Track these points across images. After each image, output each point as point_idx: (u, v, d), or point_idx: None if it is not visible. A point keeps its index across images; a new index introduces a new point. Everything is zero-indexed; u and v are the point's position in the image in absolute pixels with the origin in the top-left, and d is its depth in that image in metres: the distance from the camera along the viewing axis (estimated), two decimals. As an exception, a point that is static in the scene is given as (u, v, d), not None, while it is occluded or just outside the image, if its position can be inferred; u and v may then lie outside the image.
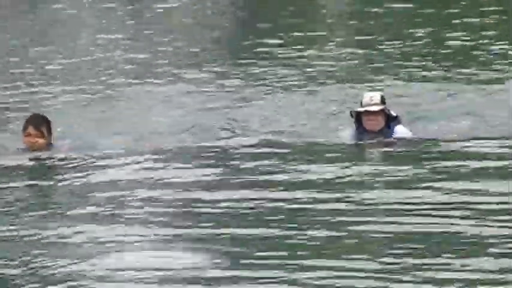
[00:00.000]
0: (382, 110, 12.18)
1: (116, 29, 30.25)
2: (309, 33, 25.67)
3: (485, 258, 7.64)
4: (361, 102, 12.42)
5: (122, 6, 35.71)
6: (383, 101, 12.42)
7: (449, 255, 7.74)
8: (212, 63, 22.43)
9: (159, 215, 9.96)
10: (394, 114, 12.51)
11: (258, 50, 23.26)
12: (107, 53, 25.13)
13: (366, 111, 12.19)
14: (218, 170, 12.45)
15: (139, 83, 20.17)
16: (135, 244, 8.76)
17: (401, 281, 7.10)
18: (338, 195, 10.37)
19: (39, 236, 9.38)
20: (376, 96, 12.52)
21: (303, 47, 23.34)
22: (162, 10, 35.01)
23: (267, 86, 18.86)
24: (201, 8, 36.04)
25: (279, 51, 23.58)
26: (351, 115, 12.50)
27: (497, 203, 9.87)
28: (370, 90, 13.83)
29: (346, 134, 12.84)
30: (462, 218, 9.05)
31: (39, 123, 12.96)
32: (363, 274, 7.32)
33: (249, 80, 19.36)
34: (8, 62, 22.66)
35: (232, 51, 24.87)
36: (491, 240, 8.26)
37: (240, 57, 22.44)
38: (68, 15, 34.01)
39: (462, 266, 7.47)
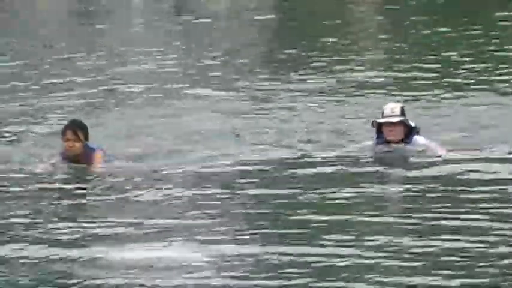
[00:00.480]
0: (402, 121, 12.45)
1: (163, 40, 31.20)
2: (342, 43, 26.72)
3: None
4: (383, 113, 12.69)
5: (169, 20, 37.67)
6: (403, 112, 12.67)
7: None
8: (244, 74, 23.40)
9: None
10: (413, 125, 12.74)
11: (293, 60, 24.32)
12: (152, 63, 25.86)
13: (387, 122, 12.49)
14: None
15: (183, 90, 20.83)
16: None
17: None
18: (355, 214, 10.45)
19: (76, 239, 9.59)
20: (397, 107, 12.79)
21: (335, 57, 24.21)
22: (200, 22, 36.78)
23: (297, 95, 19.29)
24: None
25: (310, 62, 24.36)
26: (372, 125, 12.73)
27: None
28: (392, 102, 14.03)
29: (366, 145, 13.16)
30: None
31: (76, 128, 13.36)
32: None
33: (283, 90, 19.93)
34: (62, 70, 23.49)
35: (265, 62, 25.88)
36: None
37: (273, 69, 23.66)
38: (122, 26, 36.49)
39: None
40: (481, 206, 10.62)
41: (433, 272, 7.66)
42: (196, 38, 32.14)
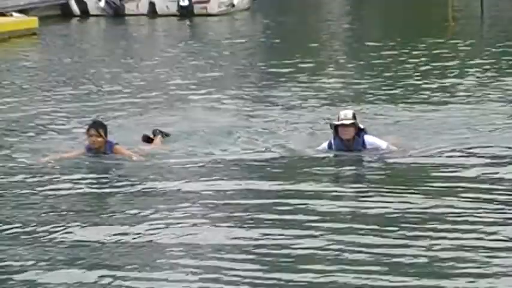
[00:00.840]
0: (353, 124, 13.28)
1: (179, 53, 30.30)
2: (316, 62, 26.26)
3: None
4: (338, 117, 13.44)
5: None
6: (354, 116, 13.47)
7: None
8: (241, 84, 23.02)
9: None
10: (362, 127, 13.63)
11: (282, 74, 23.82)
12: (169, 69, 25.40)
13: (342, 124, 13.31)
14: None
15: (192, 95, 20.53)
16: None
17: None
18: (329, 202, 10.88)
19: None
20: (349, 113, 13.63)
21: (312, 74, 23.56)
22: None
23: (278, 105, 19.07)
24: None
25: (296, 76, 23.66)
26: (330, 127, 13.51)
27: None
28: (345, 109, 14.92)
29: (323, 147, 13.80)
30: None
31: (98, 126, 13.75)
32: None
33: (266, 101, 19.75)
34: (88, 75, 23.70)
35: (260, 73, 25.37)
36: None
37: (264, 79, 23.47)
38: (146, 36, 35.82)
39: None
40: (423, 194, 10.92)
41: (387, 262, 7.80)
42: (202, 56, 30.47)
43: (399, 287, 7.66)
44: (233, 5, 40.10)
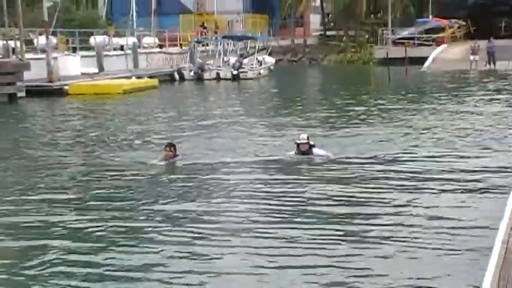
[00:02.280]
0: (307, 142, 14.74)
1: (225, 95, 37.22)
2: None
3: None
4: (299, 138, 15.05)
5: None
6: (308, 138, 14.94)
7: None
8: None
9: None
10: (312, 143, 14.91)
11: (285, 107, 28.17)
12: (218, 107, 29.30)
13: (301, 143, 14.76)
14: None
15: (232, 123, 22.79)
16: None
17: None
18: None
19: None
20: (305, 136, 15.08)
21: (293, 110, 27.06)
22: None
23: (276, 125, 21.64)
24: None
25: (291, 110, 27.03)
26: (295, 143, 15.06)
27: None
28: (303, 133, 16.13)
29: (291, 153, 15.15)
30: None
31: (171, 145, 15.14)
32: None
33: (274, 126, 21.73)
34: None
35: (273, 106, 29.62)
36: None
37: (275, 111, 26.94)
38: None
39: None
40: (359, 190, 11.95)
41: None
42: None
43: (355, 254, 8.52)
44: (260, 73, 46.90)
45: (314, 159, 14.66)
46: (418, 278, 7.73)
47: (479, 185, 12.24)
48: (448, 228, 9.51)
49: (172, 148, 14.82)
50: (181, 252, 8.75)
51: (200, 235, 9.41)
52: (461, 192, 11.71)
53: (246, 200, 11.62)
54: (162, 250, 8.83)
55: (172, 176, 13.87)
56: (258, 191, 12.27)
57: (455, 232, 9.33)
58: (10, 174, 14.77)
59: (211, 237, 9.38)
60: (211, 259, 8.47)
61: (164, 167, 14.61)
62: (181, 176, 13.78)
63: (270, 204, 11.26)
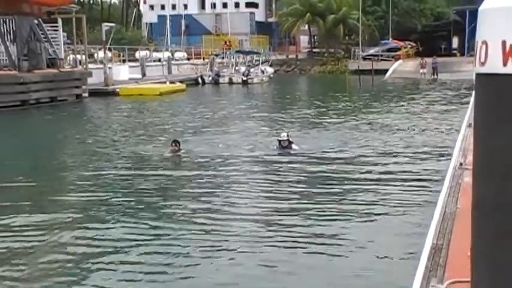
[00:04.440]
0: (287, 139, 14.09)
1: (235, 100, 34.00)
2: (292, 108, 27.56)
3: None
4: (281, 135, 14.47)
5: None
6: (288, 135, 14.35)
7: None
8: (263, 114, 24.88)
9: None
10: (291, 139, 14.25)
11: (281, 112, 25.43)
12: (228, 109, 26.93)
13: (282, 140, 14.12)
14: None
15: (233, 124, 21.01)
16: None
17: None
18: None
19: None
20: (285, 134, 14.45)
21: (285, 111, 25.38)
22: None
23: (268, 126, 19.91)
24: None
25: (284, 110, 26.01)
26: (278, 141, 14.34)
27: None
28: (284, 131, 15.49)
29: (275, 147, 14.41)
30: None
31: (176, 141, 14.39)
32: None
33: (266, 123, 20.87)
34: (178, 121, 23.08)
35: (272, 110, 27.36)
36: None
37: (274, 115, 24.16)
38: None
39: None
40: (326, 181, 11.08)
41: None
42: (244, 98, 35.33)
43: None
44: (262, 80, 46.29)
45: (291, 152, 13.99)
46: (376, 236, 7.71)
47: (419, 167, 12.27)
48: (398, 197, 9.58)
49: (177, 143, 14.24)
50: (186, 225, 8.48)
51: (194, 210, 9.22)
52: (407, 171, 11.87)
53: (235, 181, 11.30)
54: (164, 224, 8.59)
55: (176, 166, 13.50)
56: (246, 176, 11.97)
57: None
58: (77, 152, 15.35)
59: (203, 211, 9.16)
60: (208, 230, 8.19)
61: (170, 159, 13.99)
62: (183, 165, 13.46)
63: (256, 184, 11.09)
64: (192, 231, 8.19)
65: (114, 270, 6.87)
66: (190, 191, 10.89)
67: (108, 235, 8.15)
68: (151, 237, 7.97)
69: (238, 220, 8.71)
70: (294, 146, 14.15)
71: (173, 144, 14.22)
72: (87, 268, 7.00)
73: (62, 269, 7.00)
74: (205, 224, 8.55)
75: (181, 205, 9.69)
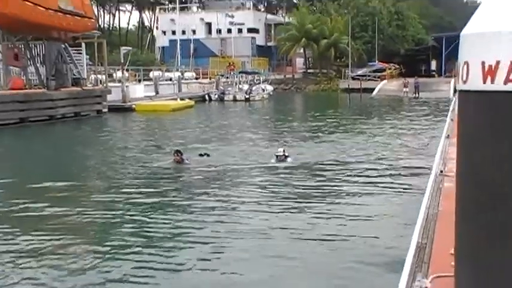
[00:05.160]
0: (283, 154, 14.04)
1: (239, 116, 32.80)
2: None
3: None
4: (278, 151, 14.36)
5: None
6: (284, 150, 14.28)
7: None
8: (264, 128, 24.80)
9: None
10: (287, 154, 14.21)
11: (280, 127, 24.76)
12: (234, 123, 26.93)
13: (278, 154, 14.05)
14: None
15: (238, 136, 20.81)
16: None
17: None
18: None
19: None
20: (281, 149, 14.36)
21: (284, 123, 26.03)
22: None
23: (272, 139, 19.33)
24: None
25: (280, 123, 26.31)
26: (275, 155, 14.14)
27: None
28: (280, 146, 15.29)
29: (272, 161, 14.05)
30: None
31: (178, 151, 14.05)
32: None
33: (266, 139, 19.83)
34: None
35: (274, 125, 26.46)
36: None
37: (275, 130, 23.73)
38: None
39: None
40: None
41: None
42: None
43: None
44: (263, 97, 45.61)
45: (287, 164, 13.72)
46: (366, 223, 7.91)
47: (404, 171, 12.37)
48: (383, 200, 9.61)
49: (179, 153, 13.85)
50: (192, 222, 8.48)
51: (193, 210, 9.21)
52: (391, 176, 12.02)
53: (235, 188, 11.11)
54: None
55: (178, 174, 13.07)
56: (246, 183, 11.75)
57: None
58: (98, 159, 15.53)
59: (204, 211, 9.11)
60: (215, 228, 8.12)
61: (173, 167, 13.61)
62: (185, 174, 13.03)
63: (255, 190, 10.89)
64: (199, 226, 8.16)
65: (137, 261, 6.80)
66: (190, 195, 10.70)
67: (120, 231, 8.19)
68: (161, 232, 7.93)
69: (237, 218, 8.66)
70: (288, 159, 14.06)
71: (175, 154, 13.92)
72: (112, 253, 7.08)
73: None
74: (205, 221, 8.50)
75: (181, 206, 9.59)
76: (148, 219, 8.85)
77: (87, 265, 6.77)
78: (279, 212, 9.15)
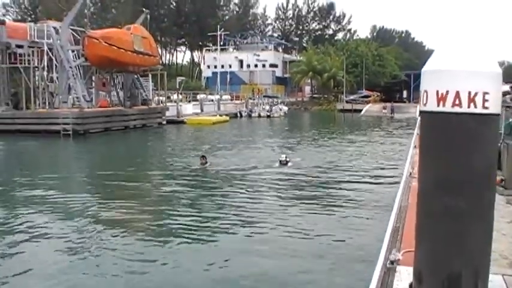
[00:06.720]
0: (286, 159, 13.21)
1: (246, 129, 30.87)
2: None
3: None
4: (281, 156, 13.56)
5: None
6: (286, 157, 13.46)
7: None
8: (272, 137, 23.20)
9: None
10: (289, 159, 13.41)
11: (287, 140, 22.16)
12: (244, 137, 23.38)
13: (282, 160, 13.24)
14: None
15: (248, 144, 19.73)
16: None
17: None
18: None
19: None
20: (284, 156, 13.62)
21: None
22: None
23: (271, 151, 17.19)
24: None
25: (291, 133, 25.44)
26: (279, 160, 13.39)
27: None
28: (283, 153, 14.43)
29: (277, 165, 13.20)
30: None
31: (204, 156, 13.16)
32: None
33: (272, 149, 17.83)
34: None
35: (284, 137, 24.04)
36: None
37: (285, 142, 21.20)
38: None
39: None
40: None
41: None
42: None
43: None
44: (280, 115, 43.95)
45: (289, 168, 12.97)
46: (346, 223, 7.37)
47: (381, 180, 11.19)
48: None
49: (204, 158, 12.95)
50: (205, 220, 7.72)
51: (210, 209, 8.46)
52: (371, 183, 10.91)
53: (249, 189, 10.18)
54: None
55: (204, 176, 12.00)
56: (257, 182, 11.04)
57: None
58: (156, 162, 14.94)
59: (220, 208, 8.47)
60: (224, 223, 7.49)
61: (200, 170, 12.61)
62: (209, 176, 12.00)
63: (263, 188, 10.35)
64: (219, 221, 7.64)
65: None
66: (213, 193, 10.05)
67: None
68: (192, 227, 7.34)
69: (247, 212, 8.12)
70: (289, 164, 13.35)
71: (201, 158, 13.02)
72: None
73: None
74: (220, 214, 8.05)
75: (205, 203, 8.86)
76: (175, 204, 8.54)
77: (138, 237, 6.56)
78: (277, 205, 8.69)
